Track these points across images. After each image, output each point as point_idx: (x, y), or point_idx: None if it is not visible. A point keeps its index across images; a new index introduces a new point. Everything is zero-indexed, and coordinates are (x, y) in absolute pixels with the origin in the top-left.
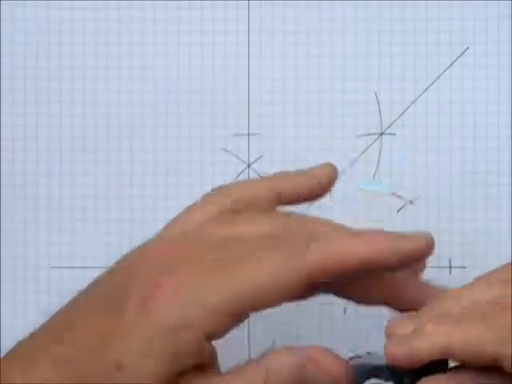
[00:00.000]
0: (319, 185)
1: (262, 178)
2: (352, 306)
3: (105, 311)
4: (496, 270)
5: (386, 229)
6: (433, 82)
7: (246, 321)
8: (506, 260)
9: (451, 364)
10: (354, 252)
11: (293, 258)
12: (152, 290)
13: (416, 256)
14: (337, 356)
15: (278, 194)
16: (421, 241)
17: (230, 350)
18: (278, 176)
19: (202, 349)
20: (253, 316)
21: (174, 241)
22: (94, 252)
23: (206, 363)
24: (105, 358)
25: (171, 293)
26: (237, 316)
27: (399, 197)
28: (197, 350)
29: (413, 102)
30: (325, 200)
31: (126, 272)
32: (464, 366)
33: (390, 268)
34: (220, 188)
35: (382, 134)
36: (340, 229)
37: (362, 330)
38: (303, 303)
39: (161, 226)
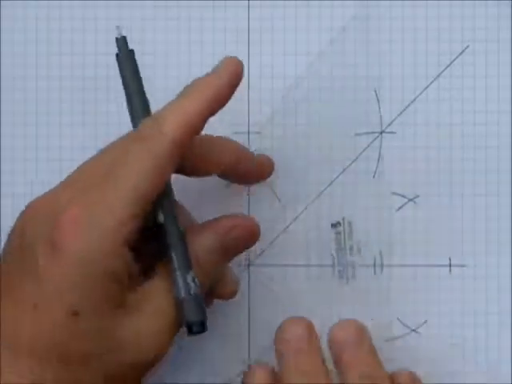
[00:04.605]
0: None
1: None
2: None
3: (20, 272)
4: None
5: (386, 227)
6: (433, 81)
7: (247, 317)
8: (505, 258)
9: None
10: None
11: (150, 142)
12: (55, 232)
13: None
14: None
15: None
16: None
17: (230, 345)
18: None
19: (125, 261)
20: (253, 312)
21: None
22: None
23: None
24: (23, 302)
25: (72, 226)
26: (140, 215)
27: (399, 195)
28: (122, 264)
29: (413, 101)
30: (323, 198)
31: (23, 230)
32: None
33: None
34: None
35: (382, 132)
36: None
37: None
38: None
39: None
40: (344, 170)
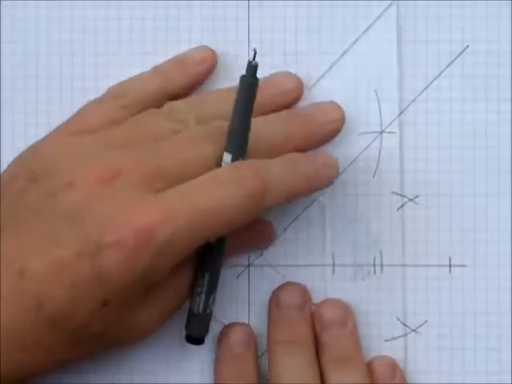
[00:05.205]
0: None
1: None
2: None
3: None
4: None
5: (386, 227)
6: (433, 81)
7: (247, 317)
8: (505, 259)
9: None
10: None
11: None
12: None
13: None
14: None
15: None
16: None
17: None
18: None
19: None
20: (253, 312)
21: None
22: None
23: None
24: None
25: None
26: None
27: (399, 195)
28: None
29: (413, 101)
30: (323, 197)
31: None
32: None
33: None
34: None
35: (382, 132)
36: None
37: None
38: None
39: None
40: (344, 169)
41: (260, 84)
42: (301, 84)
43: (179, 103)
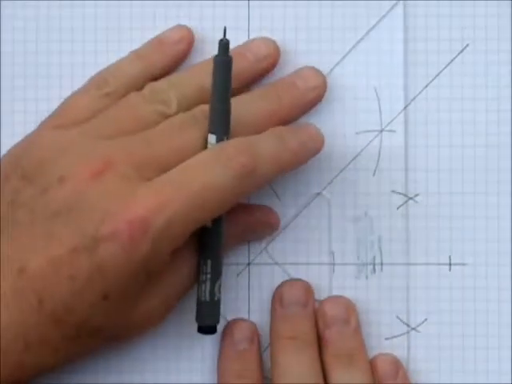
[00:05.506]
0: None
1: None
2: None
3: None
4: None
5: (386, 226)
6: (433, 79)
7: (247, 316)
8: (505, 257)
9: None
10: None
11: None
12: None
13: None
14: None
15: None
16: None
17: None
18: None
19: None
20: (253, 312)
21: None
22: None
23: None
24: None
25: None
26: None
27: (399, 194)
28: (161, 264)
29: (413, 99)
30: (324, 194)
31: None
32: None
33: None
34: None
35: (381, 130)
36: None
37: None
38: None
39: None
40: (344, 168)
41: (237, 51)
42: (277, 48)
43: (159, 83)
